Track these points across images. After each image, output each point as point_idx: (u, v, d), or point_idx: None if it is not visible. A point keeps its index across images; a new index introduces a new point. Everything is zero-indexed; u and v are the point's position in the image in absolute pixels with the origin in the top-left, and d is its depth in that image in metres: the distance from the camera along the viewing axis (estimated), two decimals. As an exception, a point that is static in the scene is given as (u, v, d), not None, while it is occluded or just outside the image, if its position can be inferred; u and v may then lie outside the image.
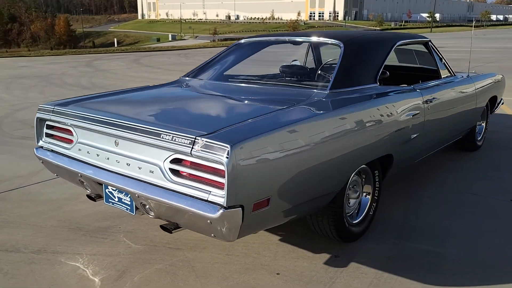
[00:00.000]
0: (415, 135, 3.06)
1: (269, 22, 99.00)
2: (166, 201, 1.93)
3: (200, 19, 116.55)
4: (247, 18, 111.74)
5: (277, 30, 79.58)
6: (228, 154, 1.73)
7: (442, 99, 3.49)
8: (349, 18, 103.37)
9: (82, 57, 20.26)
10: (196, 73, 3.31)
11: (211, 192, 1.82)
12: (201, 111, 2.50)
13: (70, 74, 12.63)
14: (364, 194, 2.86)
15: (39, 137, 2.69)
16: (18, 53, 32.72)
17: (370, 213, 2.86)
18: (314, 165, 2.14)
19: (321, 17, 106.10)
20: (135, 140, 2.07)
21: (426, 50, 3.80)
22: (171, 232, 2.09)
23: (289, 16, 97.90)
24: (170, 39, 69.19)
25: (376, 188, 2.87)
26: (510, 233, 2.88)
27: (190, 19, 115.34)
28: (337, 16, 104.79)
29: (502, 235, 2.85)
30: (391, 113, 2.73)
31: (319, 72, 2.98)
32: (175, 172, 1.97)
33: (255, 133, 1.89)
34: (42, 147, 2.67)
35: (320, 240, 2.71)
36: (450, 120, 3.70)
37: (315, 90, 2.65)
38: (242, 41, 3.59)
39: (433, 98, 3.32)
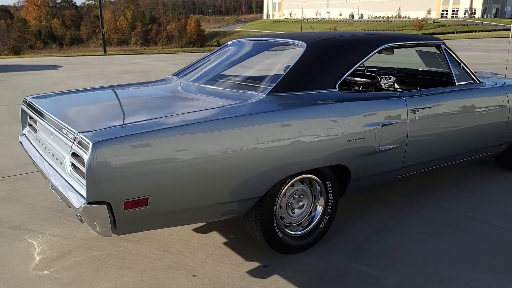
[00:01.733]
0: (389, 147, 2.81)
1: (394, 21, 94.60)
2: (61, 192, 2.11)
3: (323, 18, 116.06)
4: (372, 17, 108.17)
5: (402, 29, 75.77)
6: (89, 151, 1.84)
7: (443, 109, 3.14)
8: (488, 15, 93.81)
9: (195, 55, 21.66)
10: (180, 72, 3.43)
11: (83, 187, 1.95)
12: (122, 110, 2.60)
13: (168, 71, 13.67)
14: (318, 206, 2.73)
15: (23, 126, 3.08)
16: (151, 50, 36.33)
17: (321, 226, 2.72)
18: (208, 171, 2.12)
19: (454, 15, 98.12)
20: (55, 134, 2.28)
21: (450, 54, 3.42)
22: (82, 222, 2.26)
23: (417, 14, 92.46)
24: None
25: (330, 201, 2.72)
26: (483, 267, 2.51)
27: (313, 18, 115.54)
28: (474, 13, 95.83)
29: (466, 267, 2.49)
30: (340, 122, 2.56)
31: (274, 74, 2.89)
32: (73, 165, 2.13)
33: (131, 133, 1.97)
34: (24, 134, 3.04)
35: (263, 248, 2.67)
36: (460, 134, 3.30)
37: (254, 93, 2.60)
38: (229, 42, 3.63)
39: (425, 107, 3.01)
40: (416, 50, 3.95)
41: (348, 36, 3.03)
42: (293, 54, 2.82)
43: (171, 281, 2.36)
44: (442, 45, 3.40)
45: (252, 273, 2.45)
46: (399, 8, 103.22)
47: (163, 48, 59.35)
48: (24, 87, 9.95)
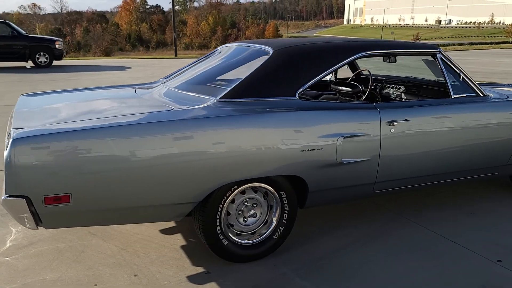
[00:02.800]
0: (355, 160, 2.68)
1: (486, 27, 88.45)
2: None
3: (406, 24, 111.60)
4: (461, 22, 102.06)
5: (494, 36, 70.69)
6: (9, 146, 1.98)
7: (429, 123, 2.93)
8: None
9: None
10: (168, 76, 3.51)
11: None
12: (76, 110, 2.68)
13: None
14: (272, 216, 2.67)
15: None
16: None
17: (274, 237, 2.66)
18: (133, 173, 2.16)
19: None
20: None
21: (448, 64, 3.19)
22: None
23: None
24: (369, 44, 68.42)
25: (285, 212, 2.65)
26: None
27: (396, 24, 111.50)
28: None
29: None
30: (293, 131, 2.48)
31: (233, 79, 2.85)
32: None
33: (54, 132, 2.07)
34: None
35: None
36: (452, 151, 3.06)
37: (207, 97, 2.60)
38: (219, 47, 3.65)
39: (405, 120, 2.83)
40: (421, 59, 3.70)
41: (319, 44, 2.93)
42: (259, 60, 2.79)
43: (111, 278, 2.44)
44: (437, 54, 3.17)
45: (192, 278, 2.46)
46: (492, 13, 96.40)
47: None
48: (85, 86, 10.73)
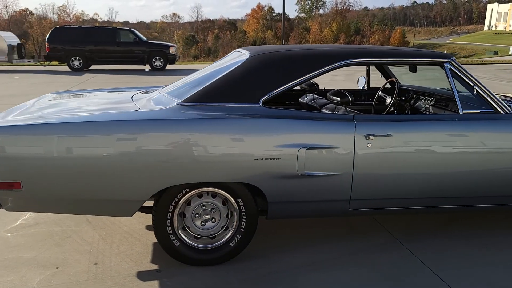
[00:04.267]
0: (320, 174, 2.54)
1: None
2: None
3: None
4: None
5: None
6: None
7: (421, 140, 2.66)
8: None
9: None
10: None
11: None
12: (55, 108, 2.91)
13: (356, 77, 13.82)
14: (232, 223, 2.66)
15: None
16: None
17: (231, 244, 2.64)
18: (75, 168, 2.33)
19: None
20: None
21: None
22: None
23: None
24: (510, 52, 61.46)
25: (243, 220, 2.61)
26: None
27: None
28: None
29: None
30: (247, 138, 2.44)
31: (203, 83, 2.83)
32: None
33: (7, 125, 2.33)
34: None
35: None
36: (454, 173, 2.72)
37: (175, 99, 2.67)
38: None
39: (387, 134, 2.60)
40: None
41: (298, 51, 2.81)
42: (234, 65, 2.78)
43: (74, 264, 2.65)
44: (446, 64, 2.82)
45: (141, 274, 2.56)
46: None
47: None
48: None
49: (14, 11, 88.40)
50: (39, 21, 77.60)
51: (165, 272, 2.57)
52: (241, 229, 2.63)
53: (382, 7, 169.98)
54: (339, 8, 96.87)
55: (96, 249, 2.83)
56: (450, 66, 2.82)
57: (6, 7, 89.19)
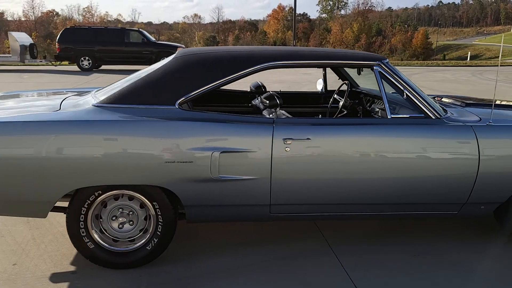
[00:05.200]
0: (237, 178, 2.49)
1: None
2: None
3: None
4: None
5: None
6: None
7: (342, 145, 2.58)
8: None
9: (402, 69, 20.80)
10: None
11: None
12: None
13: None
14: (149, 226, 2.63)
15: None
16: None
17: (148, 248, 2.61)
18: None
19: None
20: None
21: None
22: None
23: None
24: (537, 54, 59.71)
25: (159, 223, 2.59)
26: None
27: None
28: None
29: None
30: (157, 141, 2.41)
31: (125, 84, 2.81)
32: None
33: None
34: None
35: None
36: (376, 179, 2.63)
37: (93, 101, 2.65)
38: None
39: (307, 139, 2.53)
40: None
41: (222, 53, 2.76)
42: (157, 66, 2.76)
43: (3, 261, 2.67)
44: (375, 66, 2.73)
45: (54, 276, 2.55)
46: None
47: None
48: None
49: (42, 12, 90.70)
50: (64, 22, 79.37)
51: (80, 274, 2.56)
52: (157, 232, 2.60)
53: (406, 8, 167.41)
54: (361, 9, 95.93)
55: (22, 249, 2.84)
56: (379, 69, 2.73)
57: (33, 8, 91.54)
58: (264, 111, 3.23)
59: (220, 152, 2.45)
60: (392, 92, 3.21)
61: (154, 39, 17.73)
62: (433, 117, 2.71)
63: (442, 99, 3.61)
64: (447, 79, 14.61)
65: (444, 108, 3.01)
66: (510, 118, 2.99)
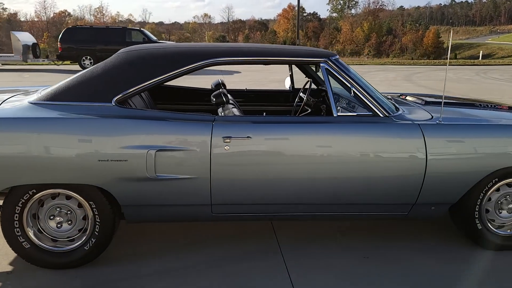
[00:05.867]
0: (174, 177, 2.43)
1: None
2: None
3: None
4: None
5: None
6: None
7: (284, 143, 2.51)
8: None
9: (405, 68, 20.59)
10: None
11: None
12: None
13: None
14: (87, 226, 2.58)
15: None
16: (374, 61, 36.16)
17: (85, 248, 2.56)
18: None
19: None
20: None
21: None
22: None
23: None
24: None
25: (97, 223, 2.53)
26: None
27: None
28: None
29: None
30: (89, 139, 2.36)
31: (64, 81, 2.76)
32: None
33: None
34: None
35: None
36: (317, 179, 2.55)
37: (31, 98, 2.61)
38: None
39: (247, 137, 2.46)
40: None
41: (163, 49, 2.69)
42: (100, 63, 2.71)
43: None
44: (322, 63, 2.65)
45: (-8, 274, 2.52)
46: None
47: (392, 59, 57.81)
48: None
49: (54, 13, 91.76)
50: (75, 22, 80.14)
51: (16, 274, 2.52)
52: (95, 232, 2.55)
53: (418, 6, 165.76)
54: (372, 8, 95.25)
55: None
56: (326, 66, 2.65)
57: (45, 9, 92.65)
58: (218, 109, 3.17)
59: (156, 151, 2.39)
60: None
61: (155, 38, 17.77)
62: (381, 115, 2.62)
63: (406, 97, 3.51)
64: (449, 79, 14.37)
65: (397, 106, 2.91)
66: (465, 116, 2.89)
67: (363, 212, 2.72)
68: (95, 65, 2.70)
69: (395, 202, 2.65)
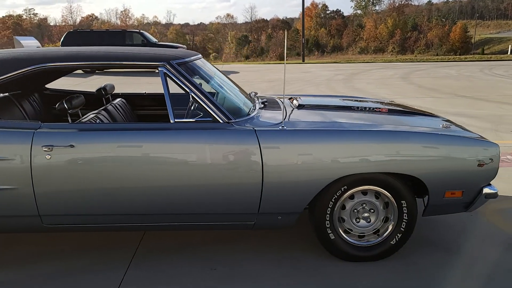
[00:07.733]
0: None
1: None
2: None
3: None
4: None
5: None
6: None
7: (111, 152, 2.42)
8: None
9: (415, 65, 20.13)
10: None
11: None
12: None
13: (335, 80, 13.32)
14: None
15: None
16: (397, 58, 35.39)
17: None
18: None
19: None
20: None
21: None
22: None
23: None
24: None
25: None
26: None
27: None
28: None
29: None
30: None
31: None
32: None
33: None
34: None
35: None
36: (148, 188, 2.43)
37: None
38: None
39: (70, 145, 2.38)
40: None
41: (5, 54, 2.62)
42: None
43: None
44: (160, 68, 2.53)
45: None
46: None
47: (415, 56, 56.41)
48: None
49: (82, 17, 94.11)
50: (100, 26, 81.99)
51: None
52: None
53: (447, 0, 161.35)
54: (397, 4, 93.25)
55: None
56: (164, 71, 2.53)
57: (71, 13, 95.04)
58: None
59: (-31, 159, 2.33)
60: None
61: (155, 40, 17.90)
62: (221, 121, 2.48)
63: (293, 101, 3.32)
64: (449, 75, 13.85)
65: (251, 110, 2.76)
66: (325, 121, 2.70)
67: (211, 222, 2.59)
68: None
69: (238, 211, 2.51)
